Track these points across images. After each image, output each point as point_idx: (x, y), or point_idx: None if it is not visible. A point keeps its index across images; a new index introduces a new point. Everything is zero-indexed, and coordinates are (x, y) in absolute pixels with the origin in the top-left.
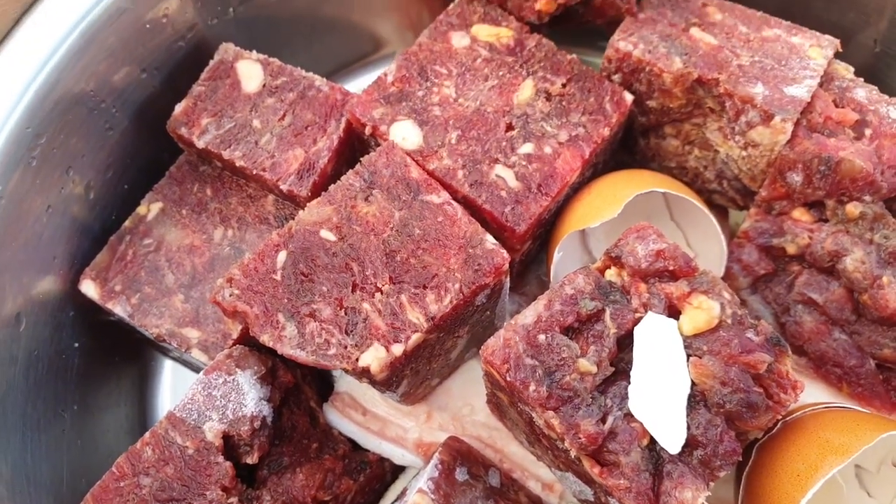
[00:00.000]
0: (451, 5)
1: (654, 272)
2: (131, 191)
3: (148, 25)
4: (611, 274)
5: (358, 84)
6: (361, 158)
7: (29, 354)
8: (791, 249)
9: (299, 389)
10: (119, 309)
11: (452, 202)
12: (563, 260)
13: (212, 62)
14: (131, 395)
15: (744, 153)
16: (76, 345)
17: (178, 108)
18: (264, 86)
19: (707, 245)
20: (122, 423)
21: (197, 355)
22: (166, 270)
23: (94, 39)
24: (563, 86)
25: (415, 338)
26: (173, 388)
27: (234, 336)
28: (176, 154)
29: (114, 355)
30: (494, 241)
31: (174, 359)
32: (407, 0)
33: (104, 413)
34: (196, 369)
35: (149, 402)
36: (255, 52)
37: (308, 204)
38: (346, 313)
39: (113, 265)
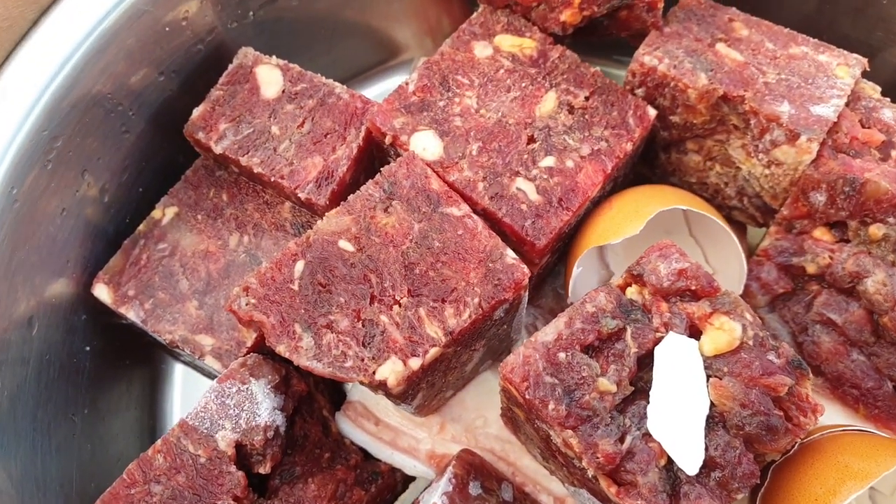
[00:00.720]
0: (475, 14)
1: (675, 291)
2: (146, 194)
3: (167, 28)
4: (632, 292)
5: (376, 89)
6: (381, 168)
7: (41, 357)
8: (811, 269)
9: (312, 398)
10: (132, 314)
11: (473, 215)
12: (582, 274)
13: (231, 66)
14: (141, 399)
15: (767, 171)
16: (87, 348)
17: (196, 112)
18: (283, 92)
19: (726, 262)
20: (132, 426)
21: (210, 363)
22: (180, 276)
23: (112, 41)
24: (586, 99)
25: (433, 352)
26: (183, 392)
27: (248, 344)
28: (192, 158)
29: (124, 358)
30: (515, 255)
31: (185, 363)
32: (426, 6)
33: (114, 417)
34: (207, 374)
35: (159, 406)
36: (274, 56)
37: (327, 214)
38: (363, 325)
39: (126, 269)
